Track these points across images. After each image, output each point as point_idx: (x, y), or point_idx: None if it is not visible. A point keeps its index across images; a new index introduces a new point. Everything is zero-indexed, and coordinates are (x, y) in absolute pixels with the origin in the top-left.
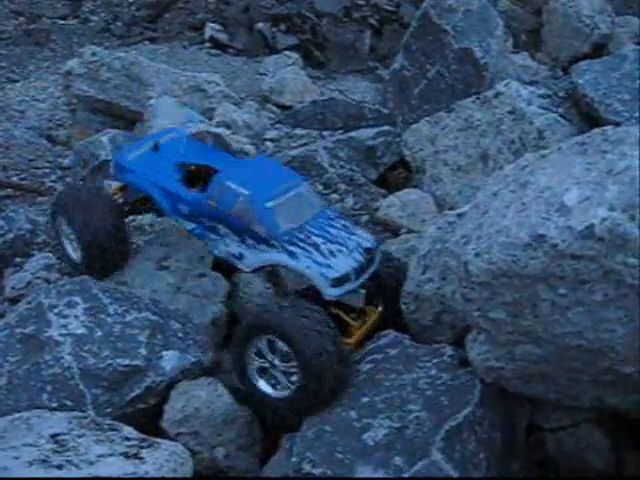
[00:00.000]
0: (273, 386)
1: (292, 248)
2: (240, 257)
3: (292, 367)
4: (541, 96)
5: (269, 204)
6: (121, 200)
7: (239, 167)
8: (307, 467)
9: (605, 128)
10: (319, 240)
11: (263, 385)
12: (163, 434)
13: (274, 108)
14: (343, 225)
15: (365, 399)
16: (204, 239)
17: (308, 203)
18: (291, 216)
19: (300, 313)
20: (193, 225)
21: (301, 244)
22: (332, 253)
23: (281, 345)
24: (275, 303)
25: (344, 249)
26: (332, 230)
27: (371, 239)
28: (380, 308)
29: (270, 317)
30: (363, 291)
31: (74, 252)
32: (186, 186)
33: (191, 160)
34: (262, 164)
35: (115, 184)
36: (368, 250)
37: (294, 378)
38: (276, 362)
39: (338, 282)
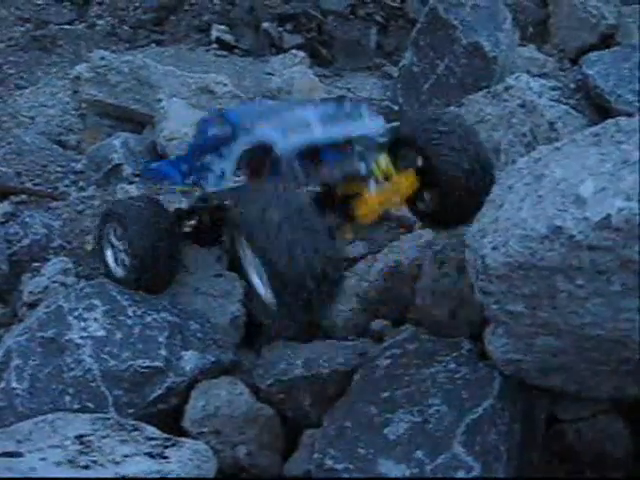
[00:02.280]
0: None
1: (248, 126)
2: (223, 174)
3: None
4: (552, 88)
5: (234, 111)
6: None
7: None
8: (329, 463)
9: (619, 118)
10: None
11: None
12: (185, 434)
13: None
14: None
15: (385, 394)
16: (200, 182)
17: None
18: (256, 115)
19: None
20: (192, 177)
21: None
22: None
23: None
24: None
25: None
26: (293, 110)
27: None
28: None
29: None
30: (371, 157)
31: (115, 265)
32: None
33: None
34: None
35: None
36: (340, 97)
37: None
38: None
39: (293, 131)
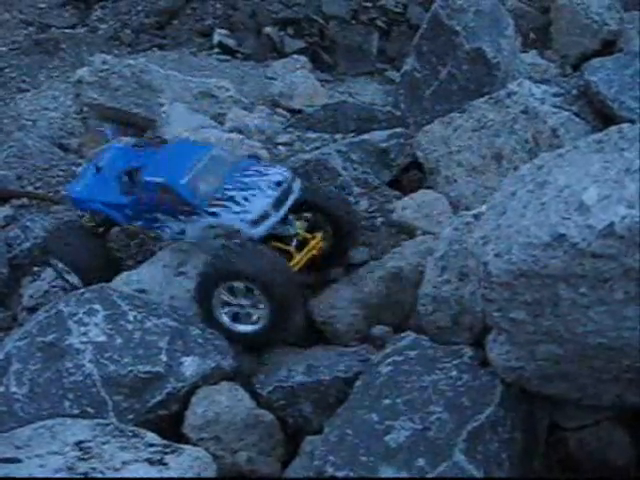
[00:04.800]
0: (249, 323)
1: (213, 209)
2: (183, 232)
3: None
4: (554, 95)
5: (183, 181)
6: (93, 224)
7: (152, 160)
8: (330, 470)
9: (622, 126)
10: (234, 192)
11: (241, 327)
12: (185, 440)
13: (284, 112)
14: (255, 170)
15: (386, 401)
16: (152, 230)
17: (220, 164)
18: (207, 182)
19: (249, 254)
20: (140, 222)
21: (219, 203)
22: (247, 199)
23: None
24: (222, 250)
25: (257, 191)
26: (244, 179)
27: (283, 172)
28: (320, 234)
29: (226, 264)
30: (298, 225)
31: (72, 277)
32: (127, 191)
33: (125, 168)
34: (172, 148)
35: None
36: (279, 183)
37: (261, 308)
38: (242, 302)
39: (258, 222)
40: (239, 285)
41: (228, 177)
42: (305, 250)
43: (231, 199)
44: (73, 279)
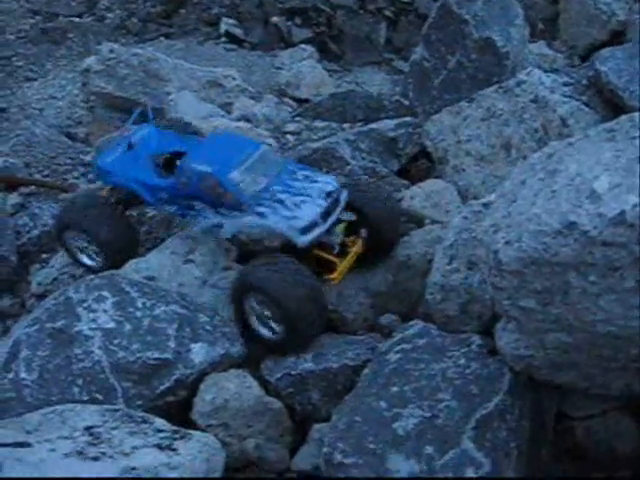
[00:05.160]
0: (271, 331)
1: (260, 209)
2: (220, 226)
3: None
4: (564, 84)
5: (232, 175)
6: (113, 199)
7: (199, 148)
8: (338, 457)
9: (633, 114)
10: (284, 196)
11: (264, 331)
12: (193, 426)
13: (291, 102)
14: (305, 176)
15: (394, 389)
16: (186, 218)
17: (269, 163)
18: (255, 180)
19: (274, 268)
20: (174, 207)
21: (268, 203)
22: (297, 205)
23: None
24: (251, 265)
25: (307, 198)
26: (295, 183)
27: (333, 182)
28: (361, 238)
29: (248, 278)
30: (338, 230)
31: (90, 260)
32: (163, 174)
33: (161, 150)
34: (218, 140)
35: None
36: (330, 193)
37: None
38: (265, 312)
39: (307, 230)
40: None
41: (277, 179)
42: (348, 257)
43: (280, 202)
44: (87, 260)
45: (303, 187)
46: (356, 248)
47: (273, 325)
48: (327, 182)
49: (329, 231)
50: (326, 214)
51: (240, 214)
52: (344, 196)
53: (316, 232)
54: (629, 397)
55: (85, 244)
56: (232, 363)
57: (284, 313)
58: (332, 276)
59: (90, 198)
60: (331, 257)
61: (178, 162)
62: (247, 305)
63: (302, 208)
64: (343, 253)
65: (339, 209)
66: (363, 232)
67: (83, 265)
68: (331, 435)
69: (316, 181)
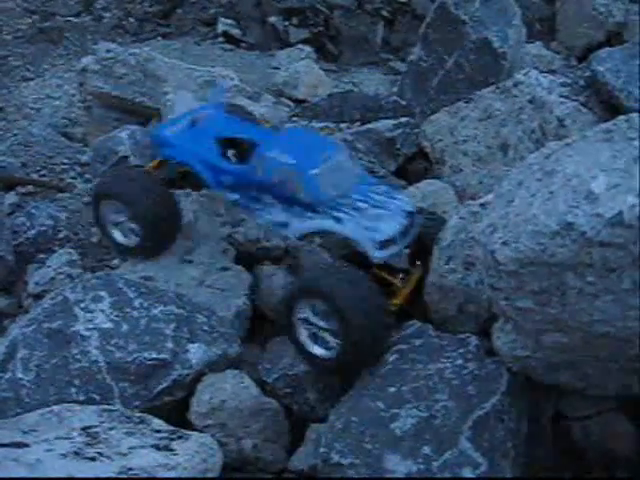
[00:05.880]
0: (325, 348)
1: (338, 214)
2: (285, 225)
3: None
4: (561, 85)
5: (314, 171)
6: (161, 176)
7: (277, 138)
8: (335, 457)
9: (631, 115)
10: (363, 205)
11: (316, 349)
12: (190, 426)
13: (288, 102)
14: (384, 190)
15: (392, 389)
16: (248, 209)
17: (349, 169)
18: (334, 183)
19: (347, 279)
20: (237, 196)
21: (346, 209)
22: (377, 217)
23: (323, 307)
24: (322, 269)
25: (388, 213)
26: (374, 195)
27: (411, 202)
28: (421, 267)
29: (317, 283)
30: (406, 251)
31: (124, 237)
32: (230, 159)
33: (229, 133)
34: (298, 133)
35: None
36: (409, 213)
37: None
38: (321, 324)
39: (384, 245)
40: (320, 305)
41: (356, 186)
42: (410, 282)
43: (360, 210)
44: (119, 237)
45: (383, 201)
46: (417, 273)
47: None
48: (407, 202)
49: (399, 253)
50: (403, 234)
51: (314, 215)
52: (419, 220)
53: (392, 249)
54: (626, 397)
55: (122, 218)
56: (229, 363)
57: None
58: (395, 301)
59: (135, 171)
60: (395, 280)
61: (250, 149)
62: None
63: (382, 221)
64: (402, 279)
65: (414, 231)
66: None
67: (114, 243)
68: (328, 435)
69: (395, 198)
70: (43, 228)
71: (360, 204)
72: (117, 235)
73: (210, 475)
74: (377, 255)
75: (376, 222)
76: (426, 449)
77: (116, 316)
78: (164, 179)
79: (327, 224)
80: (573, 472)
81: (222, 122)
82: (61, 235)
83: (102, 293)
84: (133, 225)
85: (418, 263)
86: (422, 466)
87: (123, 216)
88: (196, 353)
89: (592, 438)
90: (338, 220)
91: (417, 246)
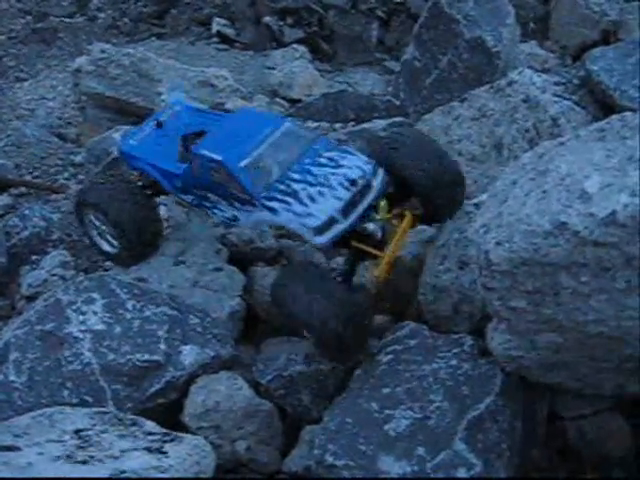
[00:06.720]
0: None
1: (271, 204)
2: (235, 220)
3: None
4: (555, 84)
5: (242, 163)
6: (141, 183)
7: (220, 126)
8: (330, 459)
9: (624, 114)
10: (299, 186)
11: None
12: (184, 428)
13: (283, 102)
14: (329, 158)
15: (386, 390)
16: (202, 209)
17: (291, 142)
18: (272, 165)
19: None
20: (190, 197)
21: (280, 196)
22: (312, 198)
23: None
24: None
25: (325, 189)
26: (315, 169)
27: (362, 165)
28: (409, 210)
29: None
30: (383, 203)
31: (107, 244)
32: (183, 160)
33: (195, 128)
34: (238, 118)
35: None
36: (354, 181)
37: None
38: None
39: (322, 228)
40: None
41: (297, 162)
42: (393, 244)
43: (294, 195)
44: (105, 246)
45: (324, 174)
46: (404, 225)
47: None
48: (355, 165)
49: (363, 219)
50: (348, 208)
51: (252, 208)
52: (378, 179)
53: (336, 231)
54: (621, 397)
55: (103, 227)
56: (222, 365)
57: None
58: (375, 274)
59: (114, 178)
60: (372, 250)
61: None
62: None
63: (317, 202)
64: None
65: (370, 197)
66: (412, 202)
67: (101, 251)
68: (322, 436)
69: (340, 165)
70: (36, 229)
71: (295, 186)
72: (100, 242)
73: (203, 477)
74: (318, 241)
75: (311, 205)
76: (420, 450)
77: (109, 318)
78: (147, 186)
79: (264, 216)
80: (568, 472)
81: (187, 118)
82: (54, 236)
83: (95, 295)
84: (113, 232)
85: (399, 210)
86: (416, 467)
87: (103, 224)
88: (189, 355)
89: (587, 438)
90: (273, 211)
91: (396, 188)
